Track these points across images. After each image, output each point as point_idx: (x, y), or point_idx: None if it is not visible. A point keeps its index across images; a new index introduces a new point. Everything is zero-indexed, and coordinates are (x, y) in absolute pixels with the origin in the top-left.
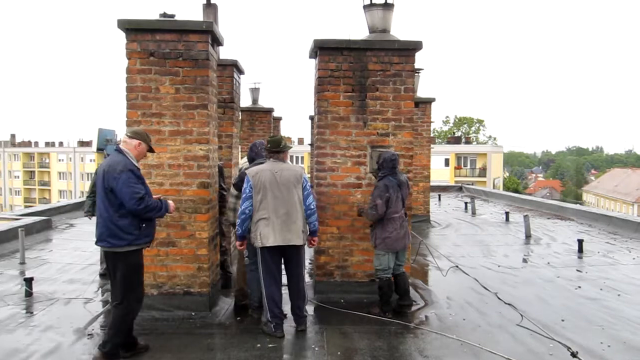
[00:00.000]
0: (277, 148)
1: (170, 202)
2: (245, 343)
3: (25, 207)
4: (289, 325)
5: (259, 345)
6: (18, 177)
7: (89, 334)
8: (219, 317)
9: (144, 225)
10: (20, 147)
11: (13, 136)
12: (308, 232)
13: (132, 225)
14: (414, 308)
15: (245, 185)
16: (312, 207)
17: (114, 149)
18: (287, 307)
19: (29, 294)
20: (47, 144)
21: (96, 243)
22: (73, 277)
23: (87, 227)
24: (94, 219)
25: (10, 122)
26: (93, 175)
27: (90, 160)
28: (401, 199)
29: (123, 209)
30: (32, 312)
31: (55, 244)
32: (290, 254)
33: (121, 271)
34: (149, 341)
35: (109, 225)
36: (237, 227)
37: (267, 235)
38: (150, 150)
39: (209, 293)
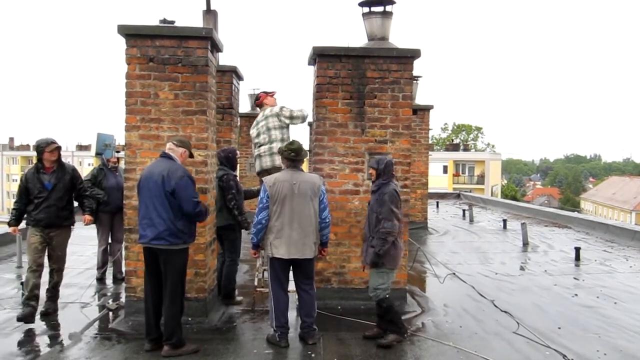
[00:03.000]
0: (298, 157)
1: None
2: (242, 349)
3: None
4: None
5: (255, 351)
6: (16, 180)
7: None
8: (215, 323)
9: (194, 225)
10: (19, 150)
11: (11, 139)
12: (319, 243)
13: (187, 226)
14: (411, 315)
15: (261, 194)
16: (327, 220)
17: (161, 155)
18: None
19: None
20: None
21: (150, 242)
22: (69, 281)
23: (84, 232)
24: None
25: (8, 125)
26: (21, 181)
27: (89, 165)
28: None
29: (181, 211)
30: None
31: None
32: (300, 264)
33: (174, 267)
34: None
35: (169, 226)
36: (252, 236)
37: (279, 247)
38: (191, 155)
39: (205, 298)
